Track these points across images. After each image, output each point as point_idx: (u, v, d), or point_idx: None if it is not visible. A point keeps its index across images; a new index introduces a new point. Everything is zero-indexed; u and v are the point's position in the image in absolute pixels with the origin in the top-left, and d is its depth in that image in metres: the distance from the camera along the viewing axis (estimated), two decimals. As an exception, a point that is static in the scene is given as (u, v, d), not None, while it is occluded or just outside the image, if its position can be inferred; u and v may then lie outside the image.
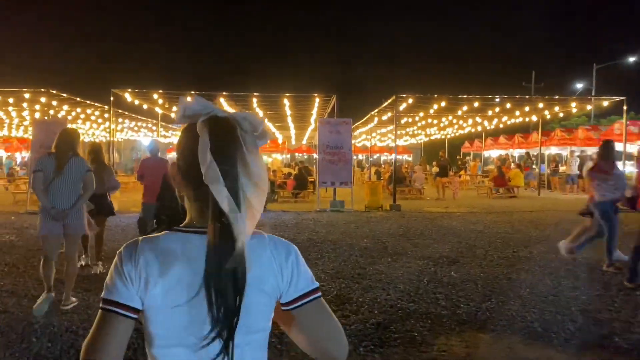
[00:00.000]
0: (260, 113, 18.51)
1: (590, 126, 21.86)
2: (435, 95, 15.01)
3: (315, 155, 44.44)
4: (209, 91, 15.52)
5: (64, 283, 5.06)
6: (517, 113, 18.09)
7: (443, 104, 15.35)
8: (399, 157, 38.48)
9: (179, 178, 1.09)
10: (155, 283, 1.01)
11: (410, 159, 41.38)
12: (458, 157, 35.83)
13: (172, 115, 21.08)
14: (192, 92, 15.03)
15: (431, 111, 16.78)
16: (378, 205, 14.25)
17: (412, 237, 9.59)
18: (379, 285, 5.96)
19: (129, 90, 14.79)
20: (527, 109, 16.39)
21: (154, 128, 29.07)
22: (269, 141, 1.08)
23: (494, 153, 31.60)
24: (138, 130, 30.81)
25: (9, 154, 30.71)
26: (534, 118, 19.66)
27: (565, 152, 24.39)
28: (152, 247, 1.04)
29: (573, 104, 17.72)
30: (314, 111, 18.34)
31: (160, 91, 14.76)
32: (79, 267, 5.80)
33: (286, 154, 40.17)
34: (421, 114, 18.10)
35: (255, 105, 16.56)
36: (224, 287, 0.98)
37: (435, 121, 22.00)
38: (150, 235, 1.07)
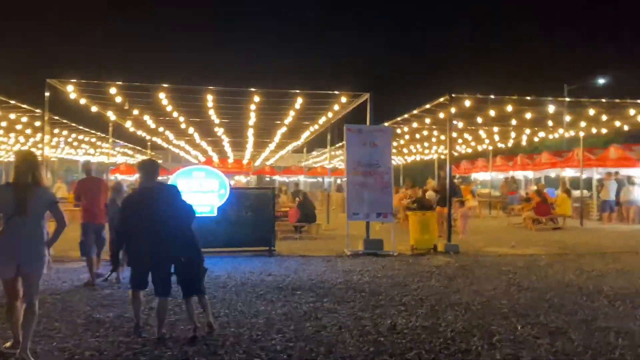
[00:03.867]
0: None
1: (623, 144, 19.07)
2: (506, 97, 11.09)
3: (279, 178, 40.91)
4: (190, 85, 11.20)
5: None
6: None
7: (510, 108, 11.70)
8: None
9: None
10: None
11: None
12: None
13: (128, 124, 16.44)
14: (165, 84, 10.68)
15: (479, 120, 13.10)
16: (430, 246, 10.33)
17: (552, 317, 5.73)
18: None
19: (74, 80, 10.19)
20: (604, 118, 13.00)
21: (100, 143, 23.97)
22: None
23: (486, 176, 28.72)
24: (78, 147, 25.27)
25: None
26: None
27: (585, 174, 21.67)
28: None
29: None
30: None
31: (120, 83, 10.20)
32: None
33: (250, 175, 35.86)
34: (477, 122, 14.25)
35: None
36: None
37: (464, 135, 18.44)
38: None
